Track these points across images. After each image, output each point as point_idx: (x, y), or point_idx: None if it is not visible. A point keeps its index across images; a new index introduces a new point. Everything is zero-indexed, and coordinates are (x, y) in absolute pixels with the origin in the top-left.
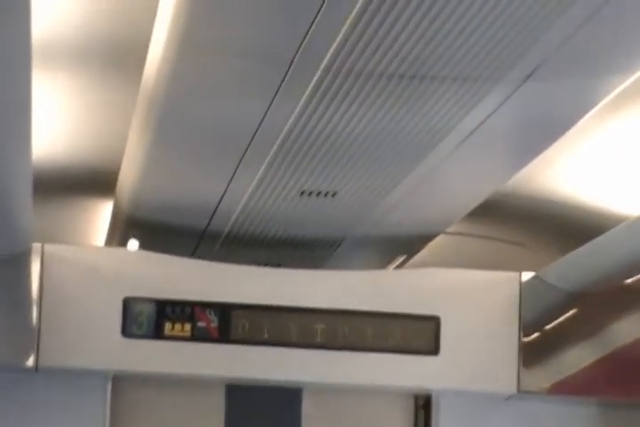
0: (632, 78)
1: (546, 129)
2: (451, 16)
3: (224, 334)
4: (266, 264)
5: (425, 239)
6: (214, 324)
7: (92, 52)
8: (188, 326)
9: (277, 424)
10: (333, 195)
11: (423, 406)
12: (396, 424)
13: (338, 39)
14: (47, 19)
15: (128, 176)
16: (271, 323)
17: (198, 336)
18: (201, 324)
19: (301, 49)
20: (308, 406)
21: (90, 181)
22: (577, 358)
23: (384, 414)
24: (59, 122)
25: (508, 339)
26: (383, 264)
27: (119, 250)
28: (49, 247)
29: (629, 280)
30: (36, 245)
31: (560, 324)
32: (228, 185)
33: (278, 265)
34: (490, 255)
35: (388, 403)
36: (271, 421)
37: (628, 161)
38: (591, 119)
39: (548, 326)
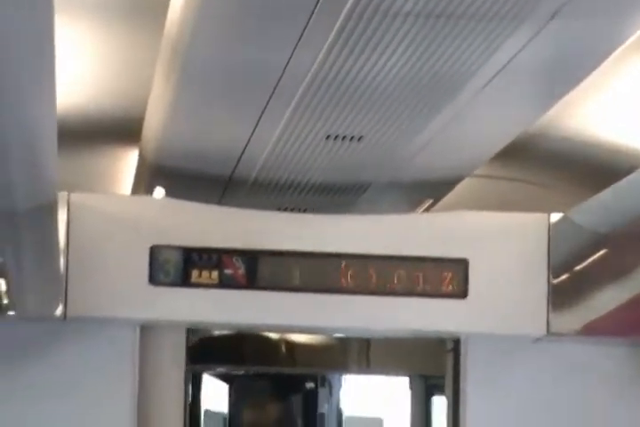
0: None
1: (572, 69)
2: None
3: (251, 281)
4: (292, 210)
5: (452, 182)
6: (241, 270)
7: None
8: (215, 274)
9: None
10: (359, 139)
11: (452, 349)
12: None
13: None
14: None
15: (153, 124)
16: (299, 269)
17: (225, 283)
18: (228, 271)
19: None
20: None
21: (115, 129)
22: (606, 299)
23: None
24: (82, 71)
25: (537, 281)
26: (410, 208)
27: (145, 198)
28: (75, 196)
29: None
30: (62, 195)
31: (589, 265)
32: (254, 131)
33: (305, 211)
34: (517, 197)
35: None
36: None
37: None
38: (618, 58)
39: (577, 268)
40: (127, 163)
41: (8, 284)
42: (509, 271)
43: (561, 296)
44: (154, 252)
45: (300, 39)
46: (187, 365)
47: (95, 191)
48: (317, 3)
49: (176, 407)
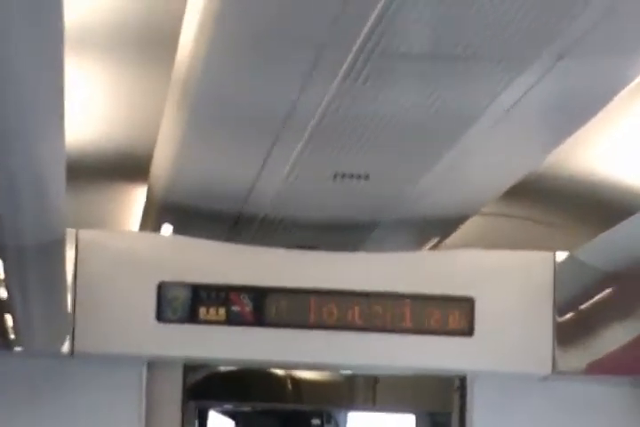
0: None
1: (580, 108)
2: None
3: (259, 318)
4: (300, 247)
5: (458, 221)
6: (249, 308)
7: (124, 36)
8: (222, 311)
9: None
10: (366, 177)
11: (458, 387)
12: None
13: (370, 20)
14: (79, 3)
15: (161, 161)
16: (307, 306)
17: (233, 320)
18: (235, 308)
19: (334, 29)
20: None
21: (123, 166)
22: (612, 337)
23: None
24: (91, 107)
25: (542, 319)
26: (417, 246)
27: (153, 235)
28: (83, 233)
29: None
30: (71, 231)
31: (595, 303)
32: (262, 169)
33: (313, 248)
34: (524, 236)
35: None
36: None
37: None
38: (624, 97)
39: (582, 306)
40: (135, 200)
41: (15, 320)
42: (515, 309)
43: (566, 335)
44: (161, 289)
45: (308, 78)
46: (188, 401)
47: (103, 228)
48: (327, 42)
49: None
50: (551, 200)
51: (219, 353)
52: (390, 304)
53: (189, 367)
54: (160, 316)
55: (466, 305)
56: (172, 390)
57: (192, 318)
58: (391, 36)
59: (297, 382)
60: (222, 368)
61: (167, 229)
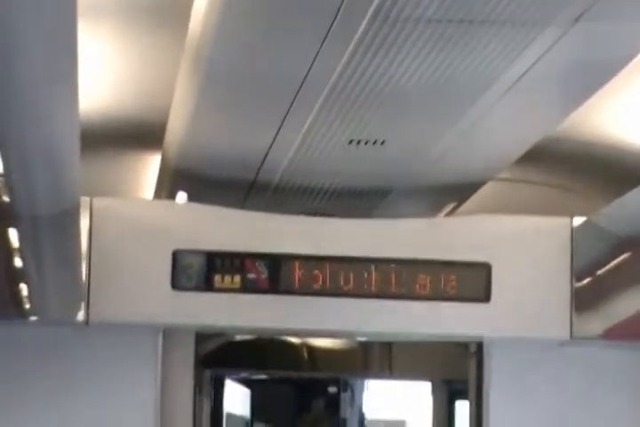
0: None
1: (594, 73)
2: None
3: (274, 285)
4: (315, 214)
5: (474, 186)
6: (264, 275)
7: (136, 3)
8: (237, 278)
9: None
10: (382, 143)
11: (475, 353)
12: None
13: None
14: None
15: (175, 129)
16: (322, 273)
17: (249, 288)
18: (251, 275)
19: None
20: None
21: (137, 134)
22: (629, 303)
23: None
24: (105, 75)
25: (560, 285)
26: (433, 212)
27: (168, 203)
28: (97, 201)
29: None
30: (85, 200)
31: (612, 268)
32: (276, 135)
33: (328, 215)
34: (540, 201)
35: None
36: None
37: None
38: (638, 62)
39: (600, 272)
40: (150, 168)
41: (30, 289)
42: (532, 275)
43: (584, 300)
44: (176, 256)
45: (322, 44)
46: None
47: (118, 196)
48: (340, 8)
49: (187, 409)
50: (567, 165)
51: (234, 321)
52: (406, 271)
53: (201, 335)
54: (175, 284)
55: (482, 271)
56: (185, 358)
57: (207, 285)
58: (404, 1)
59: (312, 350)
60: (238, 337)
61: (181, 196)
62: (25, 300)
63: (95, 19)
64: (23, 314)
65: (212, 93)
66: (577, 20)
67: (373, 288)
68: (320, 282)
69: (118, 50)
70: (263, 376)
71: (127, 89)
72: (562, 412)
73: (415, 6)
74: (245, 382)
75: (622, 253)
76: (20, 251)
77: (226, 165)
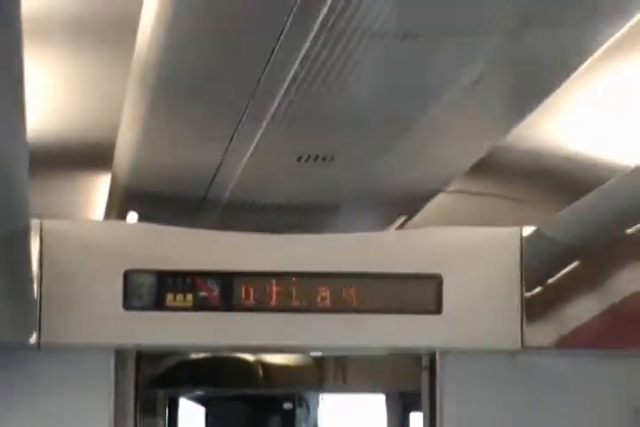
0: (627, 27)
1: (541, 82)
2: None
3: (226, 303)
4: (266, 231)
5: (424, 199)
6: (216, 293)
7: (83, 24)
8: (189, 297)
9: None
10: (331, 159)
11: (428, 366)
12: None
13: None
14: None
15: (124, 149)
16: (273, 289)
17: (200, 306)
18: (202, 293)
19: (295, 8)
20: None
21: (86, 155)
22: (581, 311)
23: None
24: (53, 96)
25: (510, 295)
26: (384, 226)
27: (118, 223)
28: (47, 223)
29: (630, 231)
30: (35, 222)
31: (562, 277)
32: (225, 153)
33: (279, 231)
34: (490, 212)
35: None
36: None
37: (624, 112)
38: (586, 71)
39: (550, 281)
40: (100, 189)
41: None
42: (483, 286)
43: (535, 310)
44: (128, 277)
45: (269, 61)
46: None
47: (68, 217)
48: (286, 25)
49: None
50: (516, 176)
51: (187, 339)
52: (358, 285)
53: (143, 355)
54: (127, 304)
55: (434, 283)
56: (128, 379)
57: (159, 305)
58: (351, 15)
59: (267, 367)
60: (192, 355)
61: (132, 216)
62: None
63: (42, 40)
64: None
65: (159, 113)
66: (522, 29)
67: (325, 303)
68: (272, 298)
69: (65, 71)
70: (218, 394)
71: (75, 110)
72: (515, 421)
73: (361, 21)
74: (200, 401)
75: (571, 262)
76: None
77: (175, 184)
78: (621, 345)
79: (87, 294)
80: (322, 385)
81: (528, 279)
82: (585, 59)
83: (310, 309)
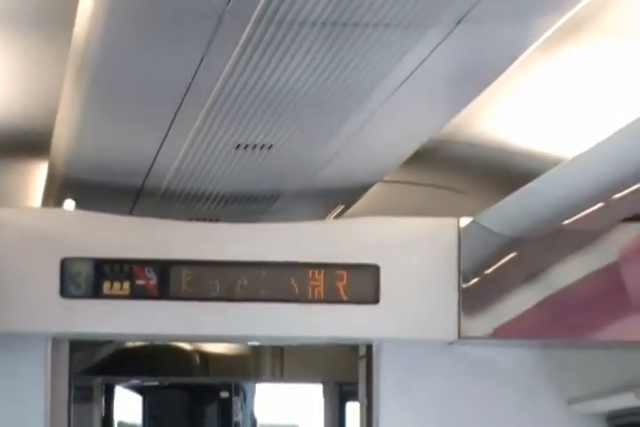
0: (561, 21)
1: (479, 74)
2: None
3: (164, 291)
4: (204, 220)
5: (362, 188)
6: (153, 281)
7: (19, 11)
8: (126, 285)
9: None
10: (269, 147)
11: (365, 356)
12: None
13: None
14: None
15: (62, 136)
16: (211, 278)
17: (137, 294)
18: (140, 282)
19: None
20: None
21: (23, 142)
22: (517, 301)
23: None
24: None
25: (447, 285)
26: (322, 215)
27: (55, 211)
28: None
29: (566, 222)
30: None
31: (499, 268)
32: (163, 141)
33: (216, 220)
34: (428, 202)
35: None
36: None
37: (560, 104)
38: (524, 62)
39: (487, 272)
40: (37, 176)
41: None
42: (420, 276)
43: (471, 300)
44: (65, 264)
45: (207, 49)
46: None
47: (4, 205)
48: (224, 13)
49: (63, 420)
50: (454, 166)
51: (124, 328)
52: (295, 274)
53: (75, 343)
54: (64, 292)
55: (371, 273)
56: (63, 366)
57: (96, 293)
58: (289, 4)
59: (204, 356)
60: (129, 343)
61: (69, 204)
62: None
63: None
64: None
65: (97, 100)
66: (458, 22)
67: (262, 292)
68: (209, 287)
69: (1, 57)
70: (155, 383)
71: (12, 97)
72: (452, 412)
73: (299, 9)
74: (137, 389)
75: (508, 253)
76: None
77: (113, 172)
78: (556, 336)
79: (24, 282)
80: (259, 375)
81: (465, 270)
82: (521, 52)
83: (248, 298)
